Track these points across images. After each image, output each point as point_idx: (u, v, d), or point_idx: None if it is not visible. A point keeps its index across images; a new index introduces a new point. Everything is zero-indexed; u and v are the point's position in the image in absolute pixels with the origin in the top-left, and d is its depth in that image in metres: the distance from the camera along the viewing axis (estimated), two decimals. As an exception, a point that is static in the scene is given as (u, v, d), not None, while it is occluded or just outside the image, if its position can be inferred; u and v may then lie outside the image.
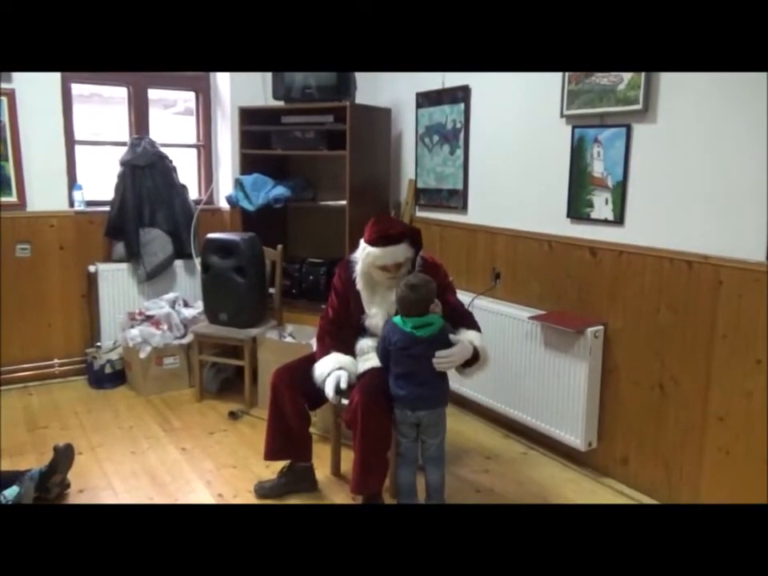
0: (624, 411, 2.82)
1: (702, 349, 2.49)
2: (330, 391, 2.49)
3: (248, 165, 4.05)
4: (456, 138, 3.58)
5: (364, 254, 2.52)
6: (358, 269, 2.58)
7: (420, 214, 3.96)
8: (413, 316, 2.39)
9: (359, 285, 2.59)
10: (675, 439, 2.62)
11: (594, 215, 2.87)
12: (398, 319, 2.42)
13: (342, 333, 2.65)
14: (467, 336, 2.48)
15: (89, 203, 4.03)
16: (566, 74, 2.88)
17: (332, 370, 2.52)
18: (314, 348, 2.75)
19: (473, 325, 2.58)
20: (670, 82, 2.52)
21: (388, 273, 2.51)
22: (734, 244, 2.36)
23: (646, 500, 2.71)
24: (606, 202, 2.80)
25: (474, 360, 2.49)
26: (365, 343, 2.62)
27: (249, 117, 4.03)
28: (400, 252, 2.48)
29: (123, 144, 4.11)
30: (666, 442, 2.66)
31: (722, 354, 2.43)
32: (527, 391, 3.10)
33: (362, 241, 2.56)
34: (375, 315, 2.57)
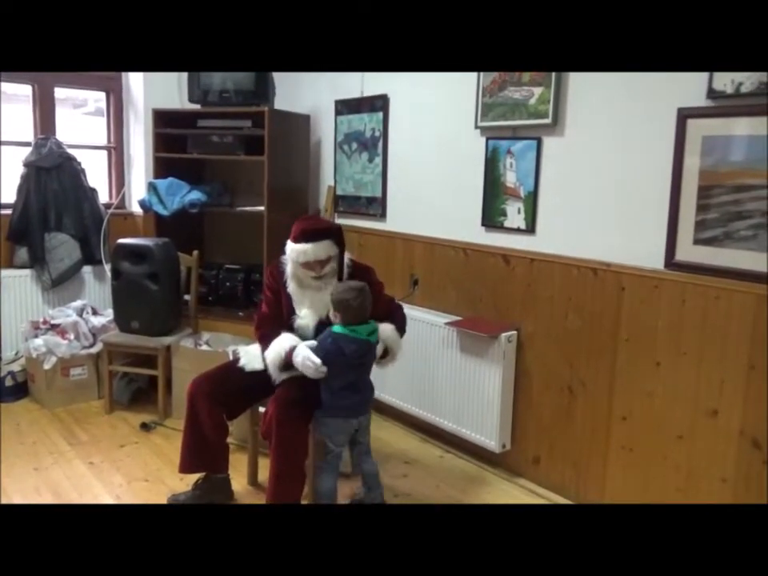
0: (536, 413, 2.92)
1: (607, 352, 2.62)
2: (317, 360, 2.37)
3: (162, 168, 3.93)
4: (375, 145, 3.62)
5: (289, 251, 2.53)
6: (288, 269, 2.58)
7: (339, 220, 3.95)
8: (359, 322, 2.38)
9: (290, 287, 2.58)
10: (583, 439, 2.74)
11: (507, 224, 2.96)
12: (342, 329, 2.37)
13: (280, 328, 2.58)
14: (384, 332, 2.52)
15: (-11, 205, 3.81)
16: (481, 87, 2.96)
17: (291, 345, 2.43)
18: (230, 357, 2.69)
19: (400, 317, 2.67)
20: (576, 97, 2.64)
21: (312, 271, 2.51)
22: (635, 252, 2.49)
23: (557, 498, 2.82)
24: (519, 212, 2.90)
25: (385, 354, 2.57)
26: None
27: (163, 119, 3.92)
28: (322, 249, 2.48)
29: (28, 144, 3.91)
30: (575, 441, 2.77)
31: (624, 356, 2.56)
32: (444, 396, 3.16)
33: (288, 241, 2.55)
34: (305, 317, 2.56)
